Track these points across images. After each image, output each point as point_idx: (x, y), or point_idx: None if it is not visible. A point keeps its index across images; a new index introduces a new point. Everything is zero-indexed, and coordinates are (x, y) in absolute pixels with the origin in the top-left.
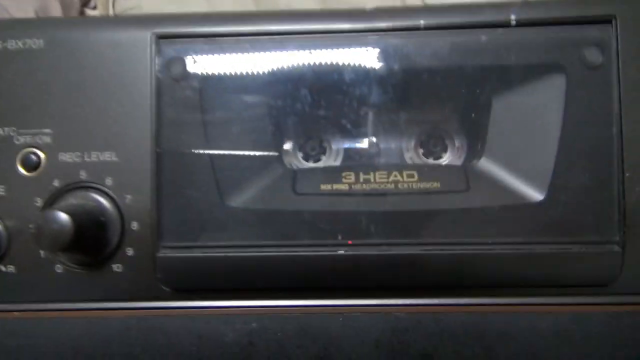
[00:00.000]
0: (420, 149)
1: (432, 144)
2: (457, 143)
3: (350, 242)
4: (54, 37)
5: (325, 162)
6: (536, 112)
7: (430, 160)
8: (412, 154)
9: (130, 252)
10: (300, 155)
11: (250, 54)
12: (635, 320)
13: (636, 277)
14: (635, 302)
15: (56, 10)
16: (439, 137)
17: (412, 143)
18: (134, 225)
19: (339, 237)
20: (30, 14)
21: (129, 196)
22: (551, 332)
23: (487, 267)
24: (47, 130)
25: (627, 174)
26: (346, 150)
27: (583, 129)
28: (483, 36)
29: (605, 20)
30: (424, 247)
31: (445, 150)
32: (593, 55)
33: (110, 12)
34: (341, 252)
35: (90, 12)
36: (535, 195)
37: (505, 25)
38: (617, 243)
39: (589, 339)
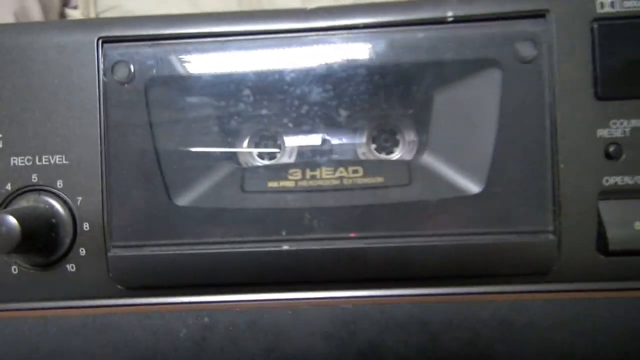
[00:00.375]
0: (373, 145)
1: (384, 140)
2: (407, 138)
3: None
4: (1, 43)
5: (278, 160)
6: (474, 107)
7: (383, 155)
8: (364, 150)
9: (82, 252)
10: (254, 154)
11: (195, 55)
12: (573, 308)
13: (572, 266)
14: (572, 290)
15: (36, 12)
16: (390, 132)
17: (364, 139)
18: (86, 226)
19: (283, 233)
20: (9, 16)
21: (79, 198)
22: (493, 320)
23: (428, 259)
24: None
25: (561, 166)
26: (299, 148)
27: (518, 122)
28: (420, 33)
29: (539, 15)
30: (365, 241)
31: (396, 145)
32: (526, 50)
33: (92, 11)
34: (285, 247)
35: (71, 12)
36: (474, 187)
37: (442, 21)
38: (552, 232)
39: (529, 326)
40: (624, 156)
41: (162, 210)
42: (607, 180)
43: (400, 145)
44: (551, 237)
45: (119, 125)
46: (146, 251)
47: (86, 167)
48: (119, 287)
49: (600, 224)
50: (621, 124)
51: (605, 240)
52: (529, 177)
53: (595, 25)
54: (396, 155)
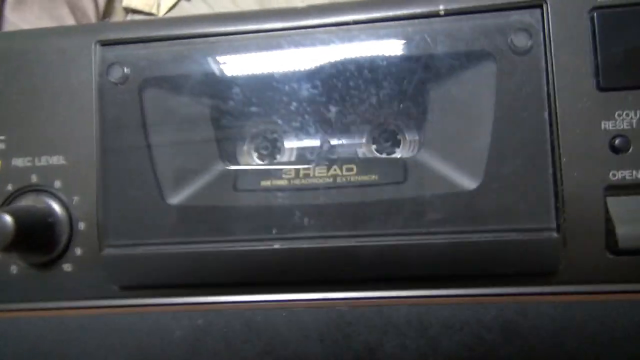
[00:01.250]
0: (373, 145)
1: (384, 140)
2: (408, 137)
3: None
4: (5, 48)
5: (273, 160)
6: (470, 101)
7: (384, 156)
8: (364, 150)
9: (78, 251)
10: (251, 154)
11: (187, 55)
12: (582, 310)
13: (580, 266)
14: (580, 292)
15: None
16: (391, 132)
17: (364, 140)
18: (81, 226)
19: (274, 232)
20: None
21: (76, 197)
22: (496, 324)
23: (424, 257)
24: (2, 137)
25: (563, 159)
26: (298, 149)
27: (515, 115)
28: (413, 27)
29: (535, 5)
30: (359, 239)
31: (397, 146)
32: (521, 41)
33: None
34: (276, 246)
35: None
36: (471, 183)
37: (434, 15)
38: (556, 230)
39: (535, 330)
40: (631, 149)
41: (155, 209)
42: (614, 175)
43: (402, 146)
44: (554, 234)
45: (114, 126)
46: (139, 250)
47: (83, 167)
48: (114, 287)
49: (608, 221)
50: (627, 115)
51: (614, 238)
52: (528, 171)
53: (595, 14)
54: (398, 154)
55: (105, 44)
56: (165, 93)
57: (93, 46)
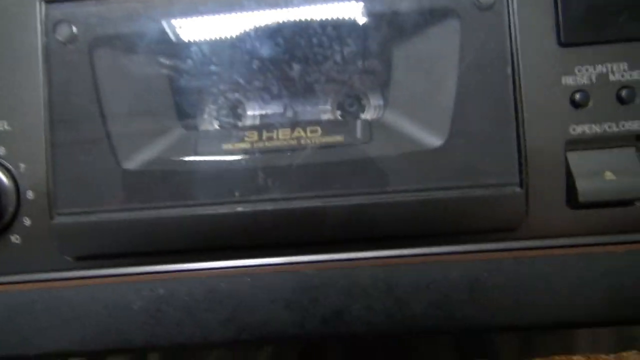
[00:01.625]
0: (336, 109)
1: (348, 104)
2: (372, 101)
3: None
4: None
5: (235, 123)
6: (435, 59)
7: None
8: (327, 113)
9: (27, 221)
10: (215, 117)
11: (142, 13)
12: (544, 265)
13: (542, 221)
14: (542, 246)
15: None
16: (355, 96)
17: (328, 102)
18: (30, 194)
19: (236, 194)
20: None
21: (23, 165)
22: (462, 281)
23: (390, 216)
24: None
25: (526, 114)
26: (260, 111)
27: (479, 72)
28: None
29: None
30: (324, 200)
31: (362, 110)
32: None
33: None
34: (239, 209)
35: None
36: (436, 141)
37: None
38: (519, 185)
39: (501, 286)
40: (590, 104)
41: (110, 174)
42: (574, 129)
43: (366, 110)
44: (518, 190)
45: (63, 89)
46: (94, 218)
47: (30, 132)
48: (67, 258)
49: (569, 176)
50: (587, 70)
51: (574, 193)
52: (492, 128)
53: None
54: (364, 117)
55: (50, 1)
56: (119, 53)
57: (37, 3)
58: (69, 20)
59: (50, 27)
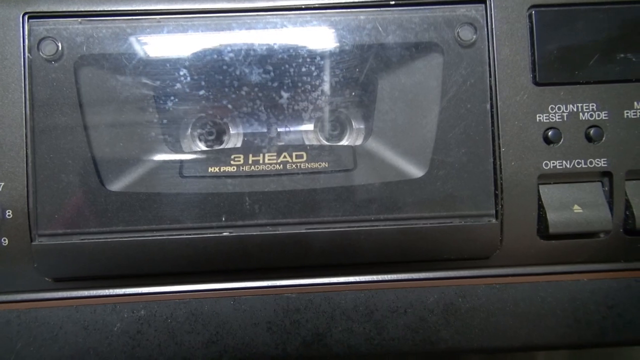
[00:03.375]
0: (320, 133)
1: (331, 128)
2: (355, 125)
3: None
4: None
5: (220, 145)
6: (418, 91)
7: (333, 143)
8: (312, 137)
9: (5, 242)
10: (195, 138)
11: (129, 33)
12: (515, 292)
13: (515, 250)
14: (514, 274)
15: None
16: (338, 120)
17: (312, 127)
18: (8, 214)
19: (223, 219)
20: None
21: (1, 183)
22: (438, 306)
23: (372, 243)
24: None
25: (502, 149)
26: (245, 135)
27: (460, 106)
28: (363, 16)
29: (480, 0)
30: (308, 226)
31: (343, 134)
32: (467, 34)
33: None
34: (225, 233)
35: None
36: (418, 171)
37: (385, 5)
38: (494, 216)
39: (474, 311)
40: (562, 141)
41: (93, 195)
42: (546, 165)
43: (348, 134)
44: (493, 221)
45: (46, 106)
46: (75, 240)
47: (9, 150)
48: (46, 279)
49: (540, 208)
50: (559, 109)
51: (545, 224)
52: (471, 161)
53: (533, 12)
54: (344, 142)
55: (35, 16)
56: (105, 72)
57: (20, 18)
58: (54, 37)
59: (35, 43)
